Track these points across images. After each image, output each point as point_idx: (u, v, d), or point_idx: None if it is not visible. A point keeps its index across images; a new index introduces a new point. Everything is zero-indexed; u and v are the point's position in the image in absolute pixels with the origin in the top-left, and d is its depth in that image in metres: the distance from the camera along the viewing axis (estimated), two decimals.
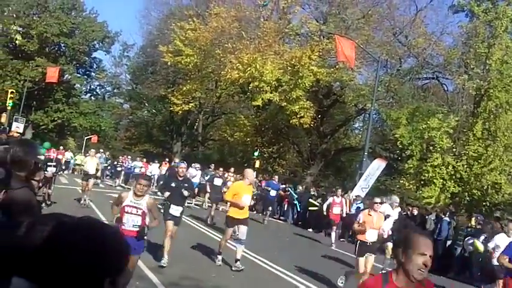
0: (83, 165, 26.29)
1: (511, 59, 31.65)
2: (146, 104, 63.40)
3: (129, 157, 40.62)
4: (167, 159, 37.35)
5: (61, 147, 42.53)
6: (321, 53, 36.63)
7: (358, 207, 24.38)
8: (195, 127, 58.78)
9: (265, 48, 37.63)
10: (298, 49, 37.33)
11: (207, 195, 26.81)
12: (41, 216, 1.71)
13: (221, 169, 29.35)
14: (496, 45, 31.84)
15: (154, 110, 63.13)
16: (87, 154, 41.76)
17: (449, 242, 19.93)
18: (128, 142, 68.45)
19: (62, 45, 58.29)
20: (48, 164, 19.97)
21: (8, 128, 35.65)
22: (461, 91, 34.40)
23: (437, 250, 19.78)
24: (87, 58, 61.70)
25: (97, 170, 23.40)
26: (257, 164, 38.90)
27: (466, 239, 18.31)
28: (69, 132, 64.34)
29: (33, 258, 1.50)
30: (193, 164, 28.62)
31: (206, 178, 27.95)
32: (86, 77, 63.65)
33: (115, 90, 67.34)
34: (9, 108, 40.39)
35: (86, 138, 60.74)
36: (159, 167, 35.65)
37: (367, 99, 35.23)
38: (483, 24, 32.96)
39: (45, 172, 18.32)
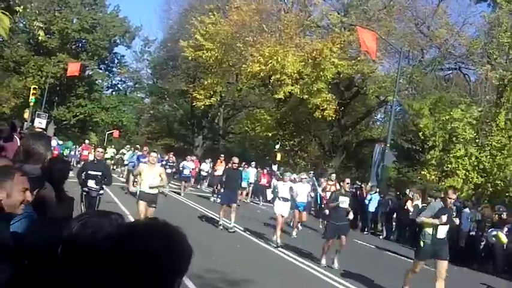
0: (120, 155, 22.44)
1: None
2: (167, 99, 63.61)
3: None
4: (222, 156, 31.06)
5: (86, 142, 42.49)
6: (342, 45, 36.48)
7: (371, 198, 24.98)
8: (216, 121, 58.87)
9: (286, 41, 37.58)
10: (319, 41, 37.16)
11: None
12: (92, 213, 1.75)
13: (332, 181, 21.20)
14: None
15: (175, 105, 63.22)
16: (128, 149, 38.26)
17: (473, 234, 19.80)
18: (149, 136, 68.80)
19: (83, 41, 58.73)
20: (90, 176, 12.54)
21: (30, 124, 35.93)
22: (484, 81, 34.11)
23: (460, 242, 19.73)
24: (108, 53, 62.19)
25: (161, 187, 14.33)
26: (278, 157, 38.90)
27: (489, 230, 18.24)
28: (91, 127, 64.93)
29: (90, 255, 1.53)
30: (286, 175, 18.30)
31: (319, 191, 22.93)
32: (107, 72, 64.20)
33: (136, 85, 67.72)
34: (31, 104, 40.63)
35: (107, 133, 61.19)
36: (213, 167, 32.45)
37: (389, 91, 35.05)
38: (506, 14, 32.57)
39: (88, 190, 12.43)
